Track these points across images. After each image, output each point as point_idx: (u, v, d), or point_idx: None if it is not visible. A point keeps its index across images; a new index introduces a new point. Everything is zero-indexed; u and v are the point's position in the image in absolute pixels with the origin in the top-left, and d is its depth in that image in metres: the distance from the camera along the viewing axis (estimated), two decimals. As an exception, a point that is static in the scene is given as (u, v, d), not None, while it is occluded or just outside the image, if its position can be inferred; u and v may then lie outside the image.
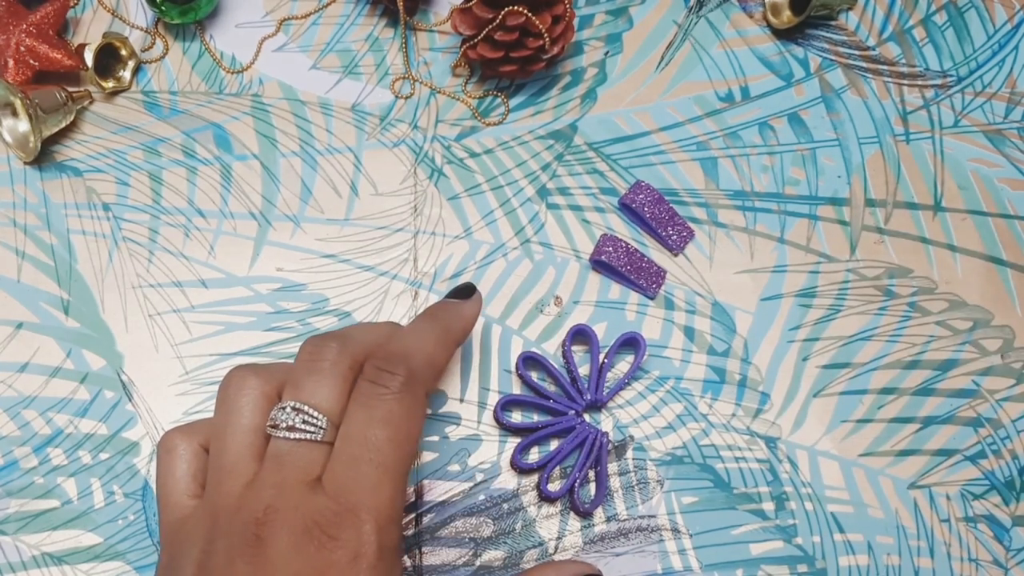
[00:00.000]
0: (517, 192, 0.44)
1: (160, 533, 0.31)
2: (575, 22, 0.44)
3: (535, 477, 0.40)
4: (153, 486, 0.39)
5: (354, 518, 0.28)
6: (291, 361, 0.32)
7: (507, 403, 0.40)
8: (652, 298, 0.42)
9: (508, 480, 0.40)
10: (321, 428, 0.29)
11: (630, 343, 0.41)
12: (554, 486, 0.40)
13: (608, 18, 0.46)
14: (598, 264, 0.42)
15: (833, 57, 0.46)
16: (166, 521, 0.31)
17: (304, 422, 0.29)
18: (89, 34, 0.44)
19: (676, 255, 0.43)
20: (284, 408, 0.29)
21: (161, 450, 0.32)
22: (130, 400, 0.40)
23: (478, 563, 0.39)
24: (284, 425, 0.29)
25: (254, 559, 0.27)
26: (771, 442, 0.41)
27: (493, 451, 0.40)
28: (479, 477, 0.40)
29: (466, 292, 0.37)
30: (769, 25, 0.46)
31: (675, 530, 0.40)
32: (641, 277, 0.42)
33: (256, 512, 0.28)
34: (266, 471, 0.29)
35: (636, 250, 0.42)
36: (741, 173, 0.44)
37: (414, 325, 0.34)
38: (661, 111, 0.45)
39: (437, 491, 0.40)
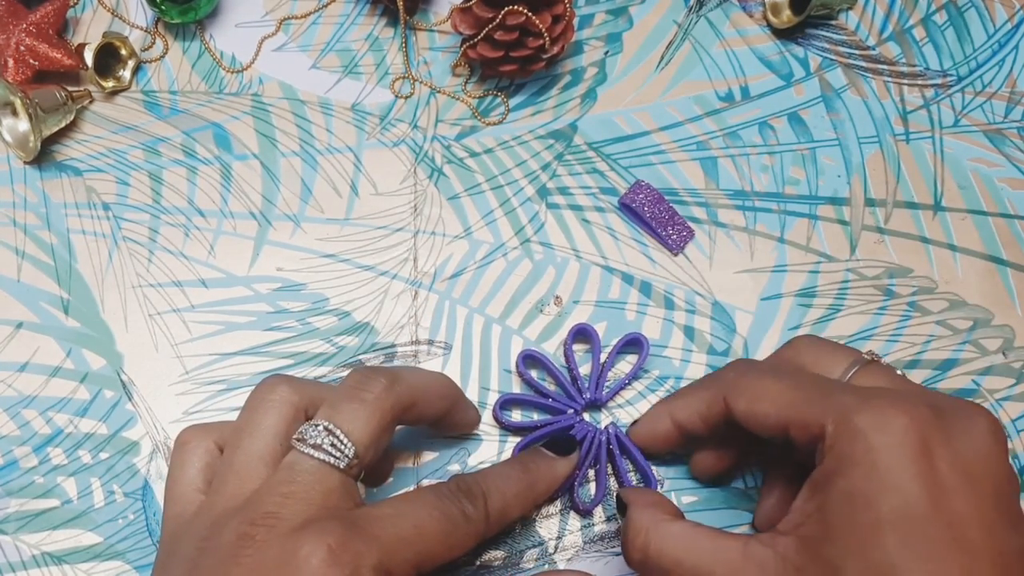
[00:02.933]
0: (517, 192, 0.44)
1: (162, 524, 0.31)
2: (575, 22, 0.44)
3: (535, 477, 0.40)
4: (153, 486, 0.39)
5: (361, 543, 0.27)
6: (320, 379, 0.31)
7: (506, 402, 0.40)
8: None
9: (508, 480, 0.40)
10: (346, 456, 0.29)
11: (633, 343, 0.41)
12: (554, 486, 0.40)
13: (608, 18, 0.46)
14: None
15: (833, 57, 0.46)
16: (169, 512, 0.31)
17: (332, 445, 0.29)
18: (89, 34, 0.44)
19: (676, 255, 0.43)
20: (316, 425, 0.29)
21: (176, 443, 0.32)
22: (130, 400, 0.40)
23: (478, 563, 0.39)
24: (311, 442, 0.29)
25: (245, 563, 0.27)
26: (771, 442, 0.41)
27: (493, 451, 0.40)
28: (479, 477, 0.40)
29: (566, 448, 0.37)
30: (769, 25, 0.46)
31: (675, 530, 0.40)
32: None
33: (255, 516, 0.28)
34: (277, 480, 0.29)
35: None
36: (741, 173, 0.44)
37: (505, 468, 0.34)
38: (661, 111, 0.45)
39: (437, 491, 0.40)
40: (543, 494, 0.35)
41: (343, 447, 0.29)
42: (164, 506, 0.31)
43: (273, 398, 0.30)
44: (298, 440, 0.29)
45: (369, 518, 0.28)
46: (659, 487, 0.40)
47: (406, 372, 0.33)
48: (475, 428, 0.40)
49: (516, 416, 0.41)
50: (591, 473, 0.40)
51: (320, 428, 0.29)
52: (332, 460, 0.29)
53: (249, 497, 0.28)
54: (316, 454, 0.29)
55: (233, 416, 0.32)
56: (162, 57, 0.44)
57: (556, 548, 0.39)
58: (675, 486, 0.40)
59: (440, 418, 0.35)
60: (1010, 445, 0.42)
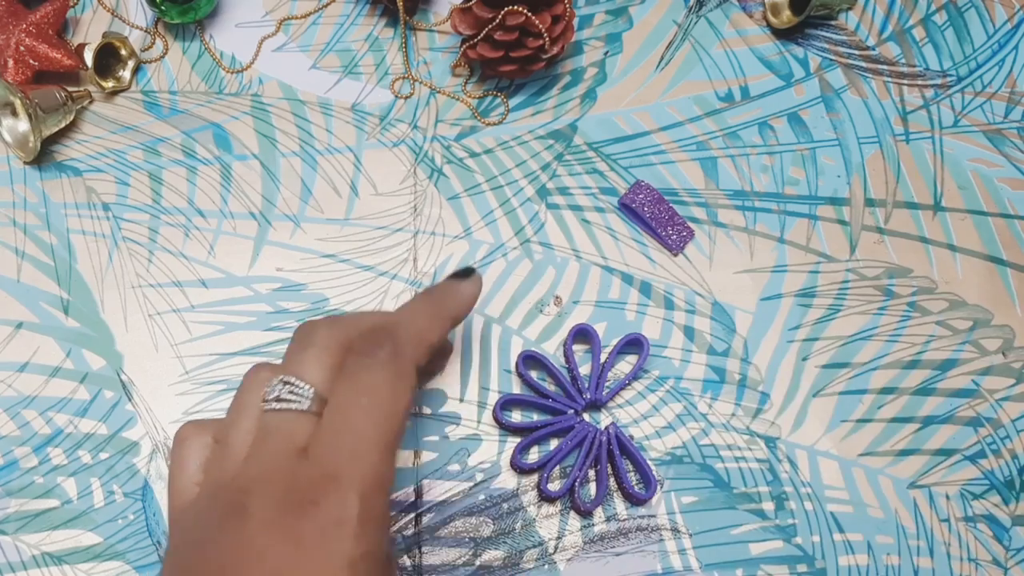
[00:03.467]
0: (517, 192, 0.44)
1: (168, 520, 0.31)
2: (575, 22, 0.44)
3: (535, 477, 0.40)
4: (153, 486, 0.39)
5: (336, 485, 0.28)
6: None
7: (506, 402, 0.40)
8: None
9: (508, 480, 0.40)
10: (305, 397, 0.30)
11: (633, 344, 0.41)
12: (554, 486, 0.40)
13: (608, 18, 0.46)
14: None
15: (833, 57, 0.46)
16: (172, 506, 0.31)
17: (290, 392, 0.30)
18: (89, 34, 0.44)
19: (676, 255, 0.43)
20: (273, 382, 0.30)
21: (175, 440, 0.32)
22: (130, 400, 0.40)
23: (478, 563, 0.39)
24: (272, 397, 0.30)
25: (239, 530, 0.27)
26: (771, 442, 0.41)
27: (493, 451, 0.40)
28: (479, 477, 0.40)
29: (465, 273, 0.37)
30: (769, 25, 0.46)
31: (675, 530, 0.40)
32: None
33: (243, 484, 0.28)
34: (255, 444, 0.29)
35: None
36: (741, 173, 0.44)
37: (407, 303, 0.35)
38: (661, 111, 0.45)
39: (437, 491, 0.40)
40: (456, 314, 0.35)
41: (300, 390, 0.30)
42: (168, 501, 0.31)
43: (257, 378, 0.31)
44: (263, 402, 0.30)
45: (325, 454, 0.29)
46: (659, 487, 0.40)
47: (348, 315, 0.33)
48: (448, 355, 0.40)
49: (516, 417, 0.41)
50: (591, 473, 0.40)
51: (276, 382, 0.30)
52: (295, 405, 0.29)
53: (238, 469, 0.29)
54: (279, 406, 0.29)
55: (233, 416, 0.32)
56: (162, 57, 0.44)
57: (556, 548, 0.39)
58: (675, 486, 0.40)
59: None
60: (1010, 445, 0.42)
